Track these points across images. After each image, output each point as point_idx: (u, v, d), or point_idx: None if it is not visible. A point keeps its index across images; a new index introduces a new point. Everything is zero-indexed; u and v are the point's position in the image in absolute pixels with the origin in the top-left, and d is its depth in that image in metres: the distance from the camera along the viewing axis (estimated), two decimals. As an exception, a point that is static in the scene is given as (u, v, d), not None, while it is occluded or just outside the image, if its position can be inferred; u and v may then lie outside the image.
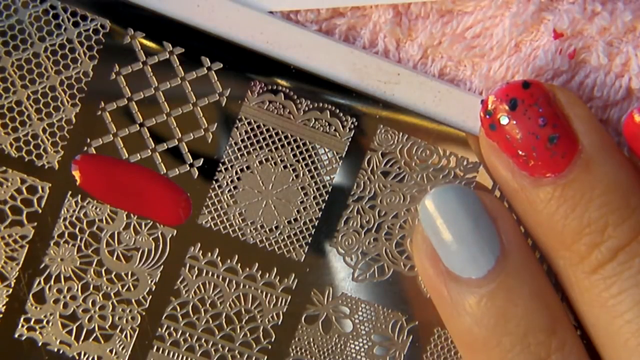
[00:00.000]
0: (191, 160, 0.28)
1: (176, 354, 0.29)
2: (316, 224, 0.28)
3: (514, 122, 0.25)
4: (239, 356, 0.29)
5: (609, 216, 0.25)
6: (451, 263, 0.26)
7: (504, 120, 0.25)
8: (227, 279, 0.29)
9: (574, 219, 0.25)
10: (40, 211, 0.29)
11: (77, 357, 0.29)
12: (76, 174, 0.28)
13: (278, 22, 0.27)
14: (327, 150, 0.28)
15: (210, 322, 0.29)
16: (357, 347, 0.29)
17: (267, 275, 0.29)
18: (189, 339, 0.29)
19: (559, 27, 0.27)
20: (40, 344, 0.29)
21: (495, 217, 0.26)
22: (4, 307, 0.29)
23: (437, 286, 0.26)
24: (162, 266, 0.29)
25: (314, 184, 0.28)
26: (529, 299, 0.25)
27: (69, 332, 0.29)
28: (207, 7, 0.27)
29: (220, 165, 0.28)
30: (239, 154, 0.28)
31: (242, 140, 0.28)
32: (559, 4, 0.27)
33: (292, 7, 0.27)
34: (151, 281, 0.29)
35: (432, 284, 0.27)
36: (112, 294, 0.29)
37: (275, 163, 0.28)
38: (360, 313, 0.29)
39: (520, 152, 0.25)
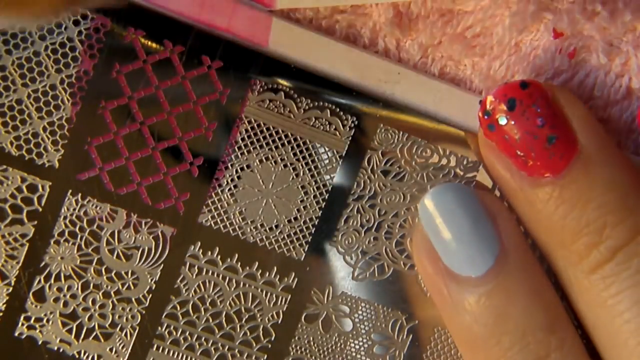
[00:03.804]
0: (191, 159, 0.28)
1: (176, 353, 0.29)
2: (316, 222, 0.28)
3: (513, 122, 0.25)
4: (238, 355, 0.29)
5: (607, 216, 0.25)
6: (451, 262, 0.26)
7: (503, 121, 0.25)
8: (227, 278, 0.29)
9: (573, 219, 0.25)
10: (40, 210, 0.29)
11: (77, 356, 0.29)
12: None
13: (277, 21, 0.27)
14: (327, 149, 0.28)
15: (210, 320, 0.29)
16: (357, 346, 0.29)
17: (267, 274, 0.29)
18: (189, 338, 0.29)
19: (559, 26, 0.27)
20: (40, 342, 0.29)
21: (495, 216, 0.26)
22: (4, 305, 0.29)
23: (436, 285, 0.26)
24: (162, 265, 0.29)
25: (314, 183, 0.28)
26: (528, 297, 0.25)
27: (69, 331, 0.29)
28: (208, 6, 0.27)
29: (221, 164, 0.28)
30: (239, 153, 0.28)
31: (243, 139, 0.28)
32: (559, 4, 0.27)
33: (292, 5, 0.27)
34: (151, 280, 0.29)
35: (431, 283, 0.27)
36: (112, 292, 0.29)
37: (275, 162, 0.28)
38: (360, 312, 0.29)
39: (518, 153, 0.25)
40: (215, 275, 0.29)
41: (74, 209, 0.29)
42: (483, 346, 0.26)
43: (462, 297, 0.26)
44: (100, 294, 0.29)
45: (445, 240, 0.26)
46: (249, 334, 0.29)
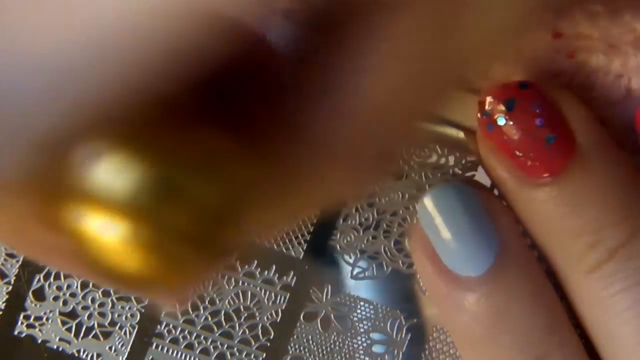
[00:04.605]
0: (190, 158, 0.28)
1: (175, 351, 0.29)
2: (315, 221, 0.28)
3: (511, 122, 0.25)
4: (237, 353, 0.29)
5: (606, 216, 0.25)
6: (450, 261, 0.26)
7: (501, 121, 0.25)
8: (226, 276, 0.29)
9: (572, 219, 0.25)
10: (39, 208, 0.29)
11: (76, 354, 0.29)
12: None
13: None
14: (326, 148, 0.28)
15: (209, 319, 0.29)
16: (356, 345, 0.29)
17: (266, 272, 0.29)
18: (188, 337, 0.29)
19: (558, 27, 0.27)
20: (39, 341, 0.29)
21: (495, 216, 0.26)
22: (4, 304, 0.29)
23: (436, 284, 0.26)
24: (161, 263, 0.29)
25: (313, 182, 0.28)
26: (528, 297, 0.25)
27: (69, 330, 0.29)
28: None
29: (220, 162, 0.28)
30: (237, 152, 0.28)
31: (241, 138, 0.28)
32: (558, 3, 0.27)
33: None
34: (150, 278, 0.29)
35: (430, 282, 0.27)
36: (111, 291, 0.29)
37: (274, 161, 0.28)
38: (359, 311, 0.29)
39: (517, 153, 0.25)
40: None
41: (73, 208, 0.29)
42: (482, 346, 0.26)
43: (461, 297, 0.26)
44: (100, 292, 0.29)
45: (445, 239, 0.26)
46: (247, 332, 0.29)
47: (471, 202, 0.26)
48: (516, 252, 0.26)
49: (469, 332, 0.26)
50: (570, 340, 0.26)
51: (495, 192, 0.28)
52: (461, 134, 0.28)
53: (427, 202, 0.26)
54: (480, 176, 0.28)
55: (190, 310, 0.29)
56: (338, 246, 0.29)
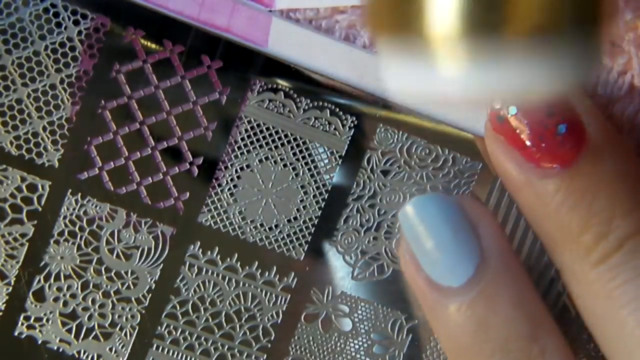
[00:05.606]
0: (191, 159, 0.28)
1: (176, 352, 0.29)
2: (316, 222, 0.28)
3: (522, 112, 0.25)
4: (238, 355, 0.29)
5: (616, 207, 0.24)
6: (431, 271, 0.26)
7: (513, 111, 0.25)
8: (227, 278, 0.29)
9: (581, 211, 0.25)
10: (40, 209, 0.29)
11: (76, 355, 0.29)
12: None
13: (277, 21, 0.27)
14: (326, 148, 0.28)
15: (210, 320, 0.29)
16: (357, 346, 0.29)
17: (267, 273, 0.29)
18: (189, 338, 0.29)
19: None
20: (40, 342, 0.29)
21: (477, 224, 0.26)
22: (4, 305, 0.29)
23: (421, 292, 0.26)
24: (161, 264, 0.29)
25: (313, 183, 0.28)
26: (510, 306, 0.25)
27: (69, 330, 0.29)
28: (208, 5, 0.27)
29: (220, 163, 0.28)
30: (238, 153, 0.28)
31: (242, 139, 0.28)
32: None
33: (291, 5, 0.27)
34: (151, 279, 0.29)
35: (417, 290, 0.27)
36: (112, 292, 0.29)
37: (275, 162, 0.28)
38: (359, 312, 0.29)
39: (527, 143, 0.25)
40: (215, 274, 0.29)
41: (74, 209, 0.29)
42: (465, 354, 0.26)
43: (443, 306, 0.26)
44: (100, 293, 0.29)
45: (426, 249, 0.25)
46: (248, 333, 0.29)
47: (451, 213, 0.26)
48: (497, 261, 0.25)
49: (453, 340, 0.26)
50: (552, 346, 0.26)
51: (498, 193, 0.28)
52: (462, 134, 0.28)
53: (409, 211, 0.26)
54: (481, 177, 0.28)
55: (191, 311, 0.29)
56: (339, 247, 0.29)
